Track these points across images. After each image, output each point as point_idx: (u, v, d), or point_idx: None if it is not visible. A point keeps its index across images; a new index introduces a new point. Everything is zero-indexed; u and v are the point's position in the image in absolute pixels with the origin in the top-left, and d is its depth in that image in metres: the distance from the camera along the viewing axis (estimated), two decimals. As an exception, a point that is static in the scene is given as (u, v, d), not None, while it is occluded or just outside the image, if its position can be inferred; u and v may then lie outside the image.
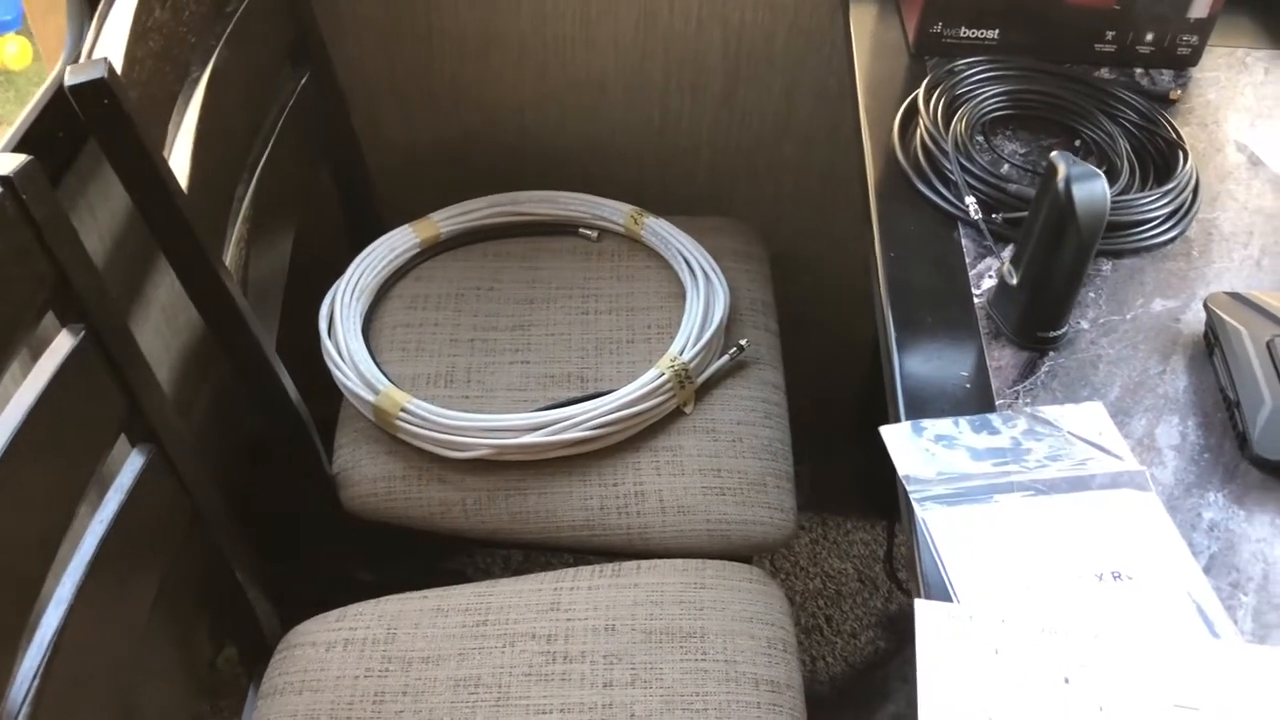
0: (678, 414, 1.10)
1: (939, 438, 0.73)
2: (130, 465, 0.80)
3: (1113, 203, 0.87)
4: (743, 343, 1.15)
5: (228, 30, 0.99)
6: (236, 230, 0.98)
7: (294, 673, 0.94)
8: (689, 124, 1.34)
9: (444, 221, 1.26)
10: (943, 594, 0.66)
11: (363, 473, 1.08)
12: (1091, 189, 0.72)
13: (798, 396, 1.21)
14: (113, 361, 0.76)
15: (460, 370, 1.14)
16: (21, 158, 0.68)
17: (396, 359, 1.15)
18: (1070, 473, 0.72)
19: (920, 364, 0.79)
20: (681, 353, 1.11)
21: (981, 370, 0.78)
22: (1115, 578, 0.66)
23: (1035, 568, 0.67)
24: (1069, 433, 0.74)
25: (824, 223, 1.42)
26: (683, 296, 1.20)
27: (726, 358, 1.14)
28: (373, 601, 1.00)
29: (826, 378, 1.53)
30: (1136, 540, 0.68)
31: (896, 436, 0.74)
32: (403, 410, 1.06)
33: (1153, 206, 0.88)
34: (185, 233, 0.84)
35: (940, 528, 0.69)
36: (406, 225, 1.25)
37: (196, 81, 0.94)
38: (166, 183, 0.81)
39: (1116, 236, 0.87)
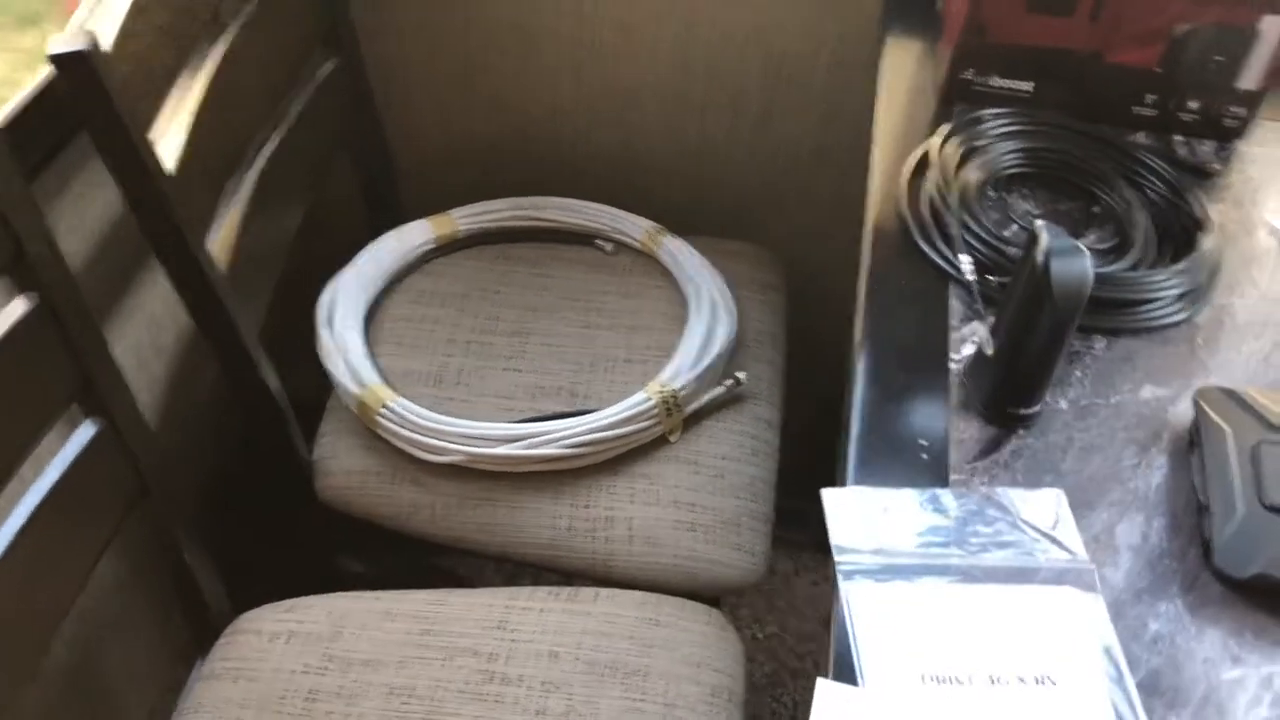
0: (662, 441, 1.08)
1: (882, 508, 0.70)
2: (77, 437, 0.80)
3: (1121, 280, 0.83)
4: (740, 375, 1.12)
5: (249, 11, 0.99)
6: (232, 213, 0.97)
7: (234, 659, 0.94)
8: (723, 144, 1.31)
9: (463, 219, 1.25)
10: (850, 675, 0.62)
11: (340, 464, 1.07)
12: (1071, 266, 0.68)
13: (811, 431, 1.18)
14: (66, 333, 0.76)
15: (451, 371, 1.13)
16: (-21, 123, 0.68)
17: (391, 352, 1.14)
18: (1013, 562, 0.68)
19: (881, 426, 0.75)
20: (673, 379, 1.08)
21: (942, 441, 0.74)
22: (1039, 682, 0.62)
23: (955, 661, 0.63)
24: (1021, 519, 0.70)
25: (848, 256, 1.38)
26: (687, 319, 1.17)
27: (722, 389, 1.11)
28: (325, 596, 0.99)
29: (837, 414, 1.48)
30: (1071, 644, 0.64)
31: (836, 501, 0.70)
32: (384, 407, 1.05)
33: (1163, 286, 0.83)
34: (163, 212, 0.84)
35: (861, 604, 0.65)
36: (424, 219, 1.24)
37: (206, 59, 0.94)
38: (145, 160, 0.81)
39: (1118, 313, 0.82)
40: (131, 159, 0.80)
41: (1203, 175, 0.95)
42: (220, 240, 0.96)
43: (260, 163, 1.02)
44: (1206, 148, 0.98)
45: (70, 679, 1.06)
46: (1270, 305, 0.85)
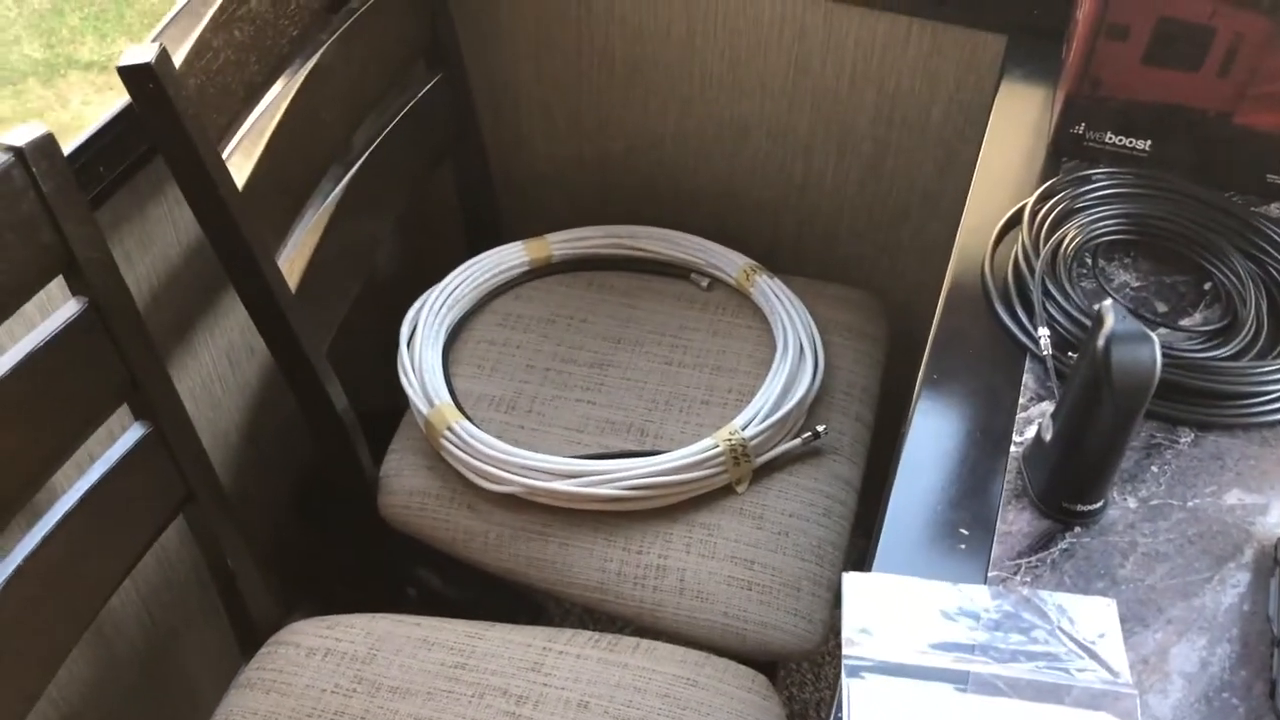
0: (728, 491, 1.03)
1: (907, 599, 0.64)
2: (124, 440, 0.81)
3: (1222, 369, 0.75)
4: (820, 429, 1.06)
5: (345, 26, 0.99)
6: (308, 230, 0.98)
7: (271, 670, 0.94)
8: (830, 184, 1.26)
9: (558, 244, 1.23)
10: (838, 784, 0.57)
11: (403, 483, 1.07)
12: (1136, 354, 0.61)
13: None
14: (114, 337, 0.78)
15: (525, 399, 1.11)
16: (39, 129, 0.70)
17: (469, 374, 1.14)
18: (1043, 676, 0.61)
19: (923, 504, 0.69)
20: (745, 427, 1.04)
21: (987, 531, 0.68)
22: (1050, 818, 0.56)
23: (957, 781, 0.57)
24: (1059, 629, 0.63)
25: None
26: (771, 365, 1.12)
27: (798, 441, 1.06)
28: (368, 616, 0.98)
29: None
30: (1095, 779, 0.57)
31: (858, 586, 0.65)
32: (449, 429, 1.04)
33: (1269, 378, 0.74)
34: (231, 229, 0.85)
35: (863, 705, 0.60)
36: (519, 242, 1.23)
37: (296, 74, 0.95)
38: (213, 177, 0.82)
39: (1214, 405, 0.74)
40: (199, 175, 0.82)
41: (1340, 255, 0.85)
42: (293, 256, 0.96)
43: (346, 178, 1.03)
44: (1349, 224, 0.88)
45: (146, 667, 1.09)
46: (1398, 410, 0.75)
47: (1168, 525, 0.68)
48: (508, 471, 1.02)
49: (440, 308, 1.17)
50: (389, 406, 1.15)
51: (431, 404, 1.07)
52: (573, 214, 1.25)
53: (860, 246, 1.30)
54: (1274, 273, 0.82)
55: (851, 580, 0.66)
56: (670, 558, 0.99)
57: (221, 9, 0.84)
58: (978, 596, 0.64)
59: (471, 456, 1.03)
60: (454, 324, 1.18)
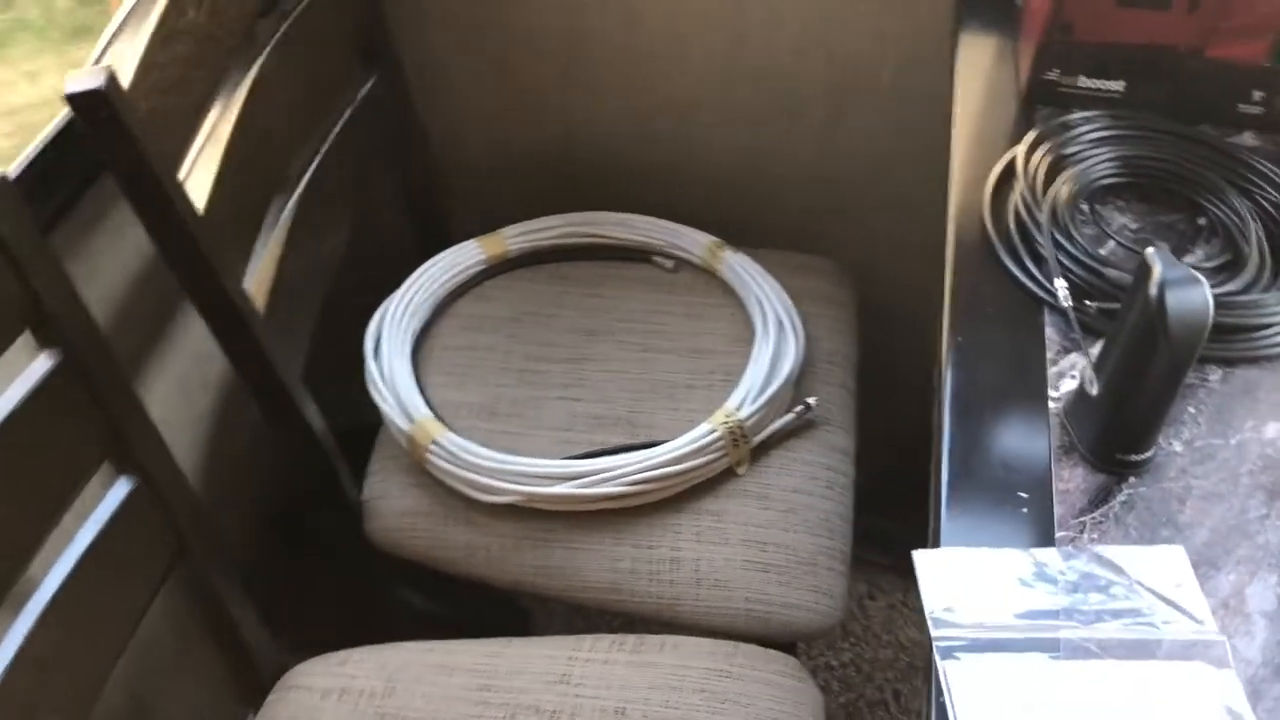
0: (729, 474, 1.01)
1: (981, 572, 0.63)
2: (111, 497, 0.75)
3: (1235, 303, 0.75)
4: (810, 401, 1.05)
5: (280, 31, 0.94)
6: (269, 247, 0.93)
7: (285, 718, 0.89)
8: (786, 153, 1.24)
9: (514, 238, 1.19)
10: (954, 770, 0.56)
11: (390, 505, 1.02)
12: (1190, 298, 0.60)
13: (882, 448, 1.11)
14: (93, 389, 0.72)
15: (505, 402, 1.07)
16: (-6, 174, 0.63)
17: (442, 383, 1.09)
18: (1132, 634, 0.60)
19: (974, 474, 0.68)
20: (739, 408, 1.02)
21: (1045, 492, 0.67)
22: (1168, 776, 0.55)
23: (1071, 751, 0.56)
24: (1138, 583, 0.62)
25: (926, 267, 1.30)
26: (753, 340, 1.10)
27: (791, 415, 1.04)
28: (379, 647, 0.94)
29: (915, 428, 1.40)
30: (1203, 730, 0.57)
31: (930, 565, 0.64)
32: (434, 443, 1.00)
33: (1281, 308, 0.75)
34: (195, 255, 0.79)
35: (963, 686, 0.58)
36: (473, 240, 1.18)
37: (237, 87, 0.89)
38: (175, 203, 0.76)
39: (1233, 340, 0.74)
40: (158, 201, 0.76)
41: (1319, 178, 0.86)
42: (258, 277, 0.91)
43: (299, 190, 0.97)
44: (1322, 147, 0.90)
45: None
46: (1405, 325, 0.76)
47: (1216, 465, 0.68)
48: (504, 481, 0.98)
49: (401, 317, 1.12)
50: (352, 424, 1.09)
51: (411, 419, 1.02)
52: (522, 206, 1.20)
53: (818, 213, 1.29)
54: (1264, 203, 0.82)
55: (923, 559, 0.64)
56: (682, 549, 0.97)
57: (162, 23, 0.78)
58: (1051, 560, 0.63)
59: (463, 469, 0.99)
60: (417, 332, 1.13)
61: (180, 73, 0.80)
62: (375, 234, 1.17)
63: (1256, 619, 0.61)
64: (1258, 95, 0.89)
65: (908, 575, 1.50)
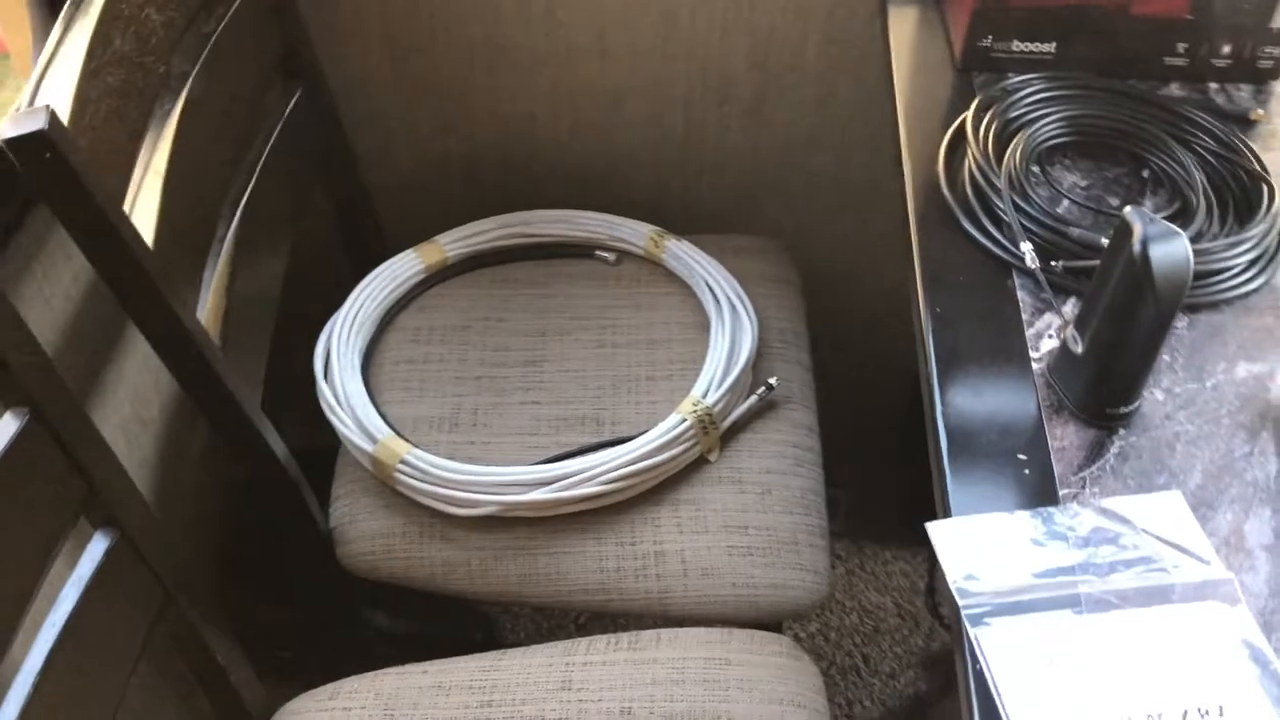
0: (701, 462, 1.01)
1: (995, 537, 0.64)
2: (90, 554, 0.72)
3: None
4: (772, 381, 1.05)
5: (205, 53, 0.90)
6: (216, 277, 0.89)
7: (282, 759, 0.87)
8: (714, 137, 1.24)
9: (451, 245, 1.17)
10: (1000, 734, 0.57)
11: (360, 529, 1.00)
12: (1172, 251, 0.62)
13: (832, 417, 1.12)
14: (64, 445, 0.68)
15: (466, 412, 1.05)
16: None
17: (398, 400, 1.07)
18: (1146, 581, 0.62)
19: (972, 441, 0.69)
20: (705, 395, 1.02)
21: (1042, 451, 0.68)
22: (1202, 715, 0.57)
23: (1108, 702, 0.57)
24: (1144, 531, 0.64)
25: (860, 236, 1.33)
26: (707, 326, 1.10)
27: (755, 398, 1.05)
28: (369, 676, 0.92)
29: (863, 396, 1.43)
30: (1226, 666, 0.59)
31: (945, 535, 0.65)
32: (402, 462, 0.98)
33: (1235, 253, 0.77)
34: (150, 293, 0.76)
35: (997, 651, 0.59)
36: (410, 250, 1.16)
37: (168, 115, 0.85)
38: (126, 240, 0.73)
39: (1195, 287, 0.77)
40: (107, 238, 0.72)
41: (1246, 124, 0.90)
42: (209, 308, 0.87)
43: (238, 214, 0.94)
44: (1243, 93, 0.93)
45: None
46: (1347, 257, 0.80)
47: (1198, 409, 0.71)
48: (479, 492, 0.96)
49: (348, 335, 1.09)
50: (303, 446, 1.06)
51: (374, 440, 1.00)
52: (456, 213, 1.18)
53: (750, 192, 1.29)
54: (1203, 152, 0.85)
55: (937, 530, 0.65)
56: (665, 542, 0.97)
57: (90, 56, 0.74)
58: (1059, 518, 0.65)
59: (436, 485, 0.97)
60: (364, 350, 1.10)
61: (113, 105, 0.76)
62: (308, 253, 1.14)
63: (1258, 553, 0.64)
64: (1181, 47, 0.92)
65: (860, 540, 1.51)
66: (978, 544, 0.64)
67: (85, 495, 0.71)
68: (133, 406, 1.04)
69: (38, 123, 0.66)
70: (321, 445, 1.07)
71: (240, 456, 0.91)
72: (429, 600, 1.08)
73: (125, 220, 0.74)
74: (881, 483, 1.52)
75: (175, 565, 0.78)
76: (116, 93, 0.77)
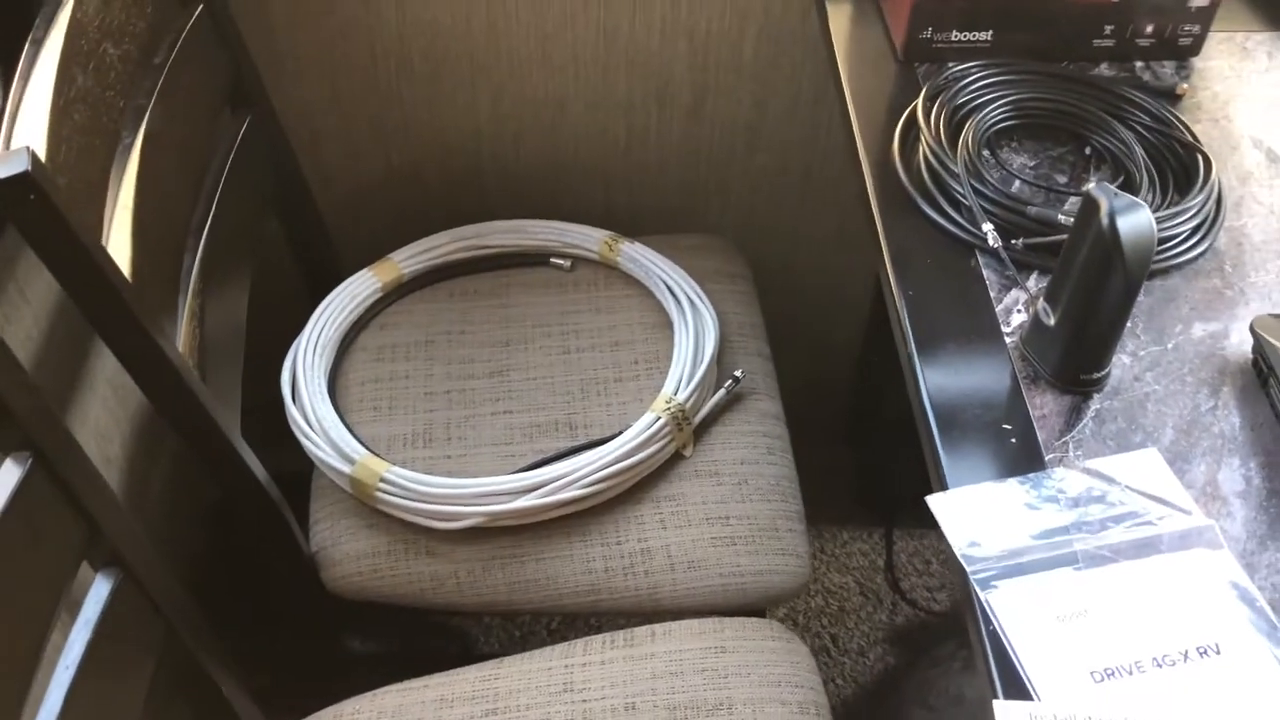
0: (677, 458, 1.04)
1: (992, 505, 0.67)
2: (95, 594, 0.71)
3: (1138, 219, 0.82)
4: (738, 374, 1.08)
5: (159, 84, 0.89)
6: (187, 307, 0.89)
7: (292, 786, 0.86)
8: (657, 139, 1.27)
9: (405, 261, 1.17)
10: (1020, 688, 0.60)
11: (343, 550, 1.00)
12: (1138, 221, 0.66)
13: (783, 404, 1.15)
14: (66, 487, 0.68)
15: (439, 427, 1.06)
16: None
17: (368, 419, 1.07)
18: (1136, 534, 0.66)
19: (958, 417, 0.72)
20: (676, 392, 1.04)
21: (1025, 420, 0.72)
22: (1203, 654, 0.61)
23: (1116, 650, 0.61)
24: (1129, 487, 0.68)
25: (801, 226, 1.36)
26: (668, 325, 1.13)
27: (723, 391, 1.07)
28: (369, 696, 0.92)
29: (812, 381, 1.46)
30: (1217, 607, 0.63)
31: (947, 507, 0.68)
32: (382, 480, 0.98)
33: (1180, 221, 0.82)
34: (133, 328, 0.75)
35: (1007, 612, 0.63)
36: (366, 269, 1.16)
37: (130, 149, 0.84)
38: (109, 276, 0.72)
39: (1145, 255, 0.81)
40: (92, 277, 0.72)
41: (1174, 98, 0.95)
42: (184, 339, 0.87)
43: (202, 244, 0.94)
44: (1167, 69, 0.98)
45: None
46: (1279, 220, 0.85)
47: (1163, 370, 0.75)
48: (463, 505, 0.97)
49: (312, 358, 1.09)
50: (271, 472, 1.06)
51: (351, 461, 1.00)
52: (407, 230, 1.18)
53: (694, 192, 1.32)
54: (1140, 128, 0.90)
55: (938, 502, 0.68)
56: (650, 538, 0.99)
57: (57, 94, 0.74)
58: (1049, 482, 0.69)
59: (420, 501, 0.97)
60: (328, 372, 1.10)
61: (83, 142, 0.76)
62: (263, 278, 1.13)
63: (1232, 500, 0.68)
64: (1108, 29, 0.96)
65: (819, 523, 1.54)
66: (976, 513, 0.67)
67: (88, 536, 0.70)
68: (98, 445, 1.03)
69: (21, 164, 0.65)
70: (287, 470, 1.06)
71: (227, 487, 0.90)
72: (401, 619, 1.08)
73: (106, 256, 0.73)
74: (834, 466, 1.56)
75: (177, 601, 0.78)
76: (84, 129, 0.76)
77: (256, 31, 1.11)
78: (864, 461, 1.57)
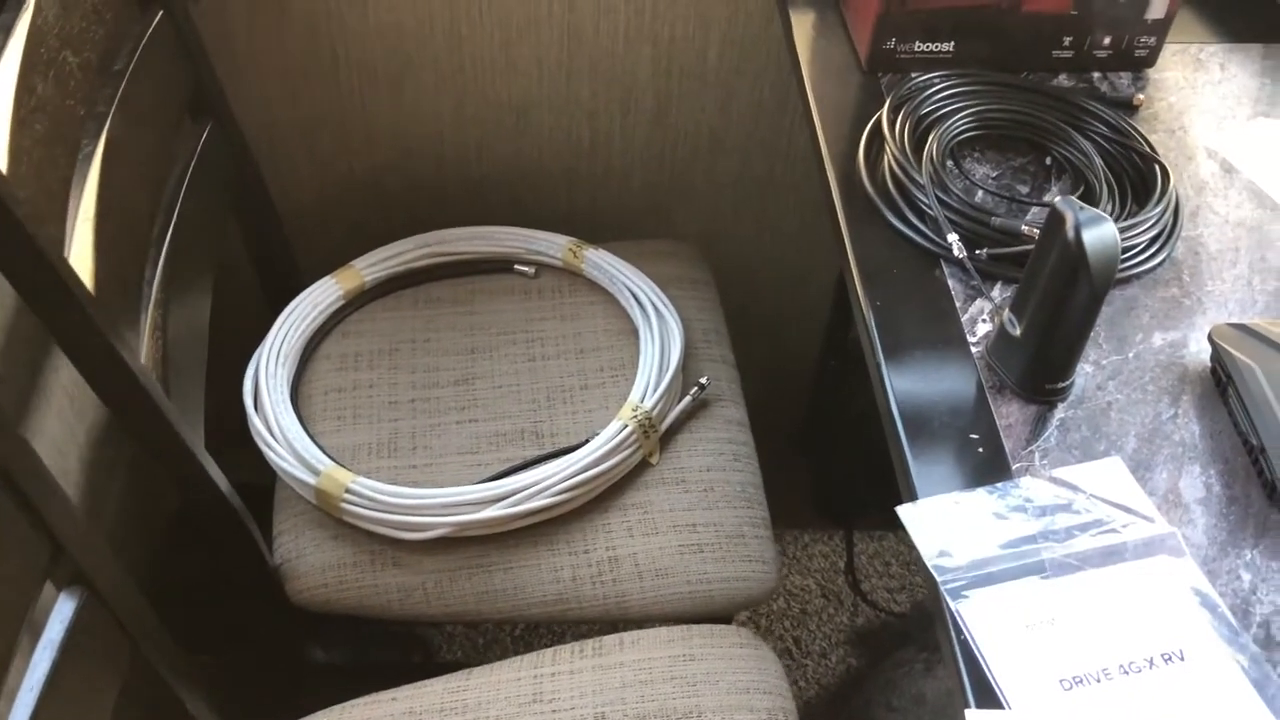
0: (644, 466, 1.04)
1: (961, 515, 0.68)
2: (59, 614, 0.70)
3: (1099, 229, 0.83)
4: (703, 381, 1.08)
5: (119, 93, 0.88)
6: (149, 318, 0.88)
7: (259, 802, 0.86)
8: (620, 144, 1.27)
9: (368, 269, 1.17)
10: (991, 697, 0.61)
11: (308, 563, 0.99)
12: (1103, 234, 0.67)
13: (754, 408, 1.16)
14: (28, 504, 0.66)
15: (404, 436, 1.05)
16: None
17: (332, 429, 1.06)
18: (1101, 542, 0.67)
19: (927, 428, 0.73)
20: (643, 400, 1.04)
21: (992, 430, 0.73)
22: (1168, 660, 0.62)
23: (1084, 657, 0.62)
24: (1094, 496, 0.69)
25: (763, 231, 1.37)
26: (633, 332, 1.13)
27: (689, 398, 1.07)
28: (337, 709, 0.91)
29: (771, 385, 1.47)
30: (1181, 613, 0.64)
31: (916, 517, 0.68)
32: (347, 491, 0.97)
33: (1139, 232, 0.83)
34: (97, 342, 0.74)
35: (977, 621, 0.64)
36: (328, 277, 1.15)
37: (91, 158, 0.83)
38: (73, 290, 0.71)
39: (1105, 264, 0.82)
40: (55, 292, 0.71)
41: (1130, 109, 0.97)
42: (147, 351, 0.86)
43: (164, 254, 0.92)
44: (1124, 80, 1.00)
45: None
46: (1234, 229, 0.87)
47: (1125, 378, 0.76)
48: (430, 515, 0.97)
49: (275, 368, 1.08)
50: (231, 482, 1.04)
51: (316, 472, 0.99)
52: (369, 237, 1.17)
53: (657, 197, 1.32)
54: (1098, 138, 0.92)
55: (908, 512, 0.69)
56: (618, 547, 0.99)
57: (17, 105, 0.73)
58: (1016, 491, 0.69)
59: (385, 512, 0.97)
60: (290, 381, 1.09)
61: (44, 153, 0.74)
62: (224, 287, 1.12)
63: (1194, 508, 0.70)
64: (1067, 40, 0.98)
65: (779, 526, 1.55)
66: (945, 522, 0.68)
67: (51, 555, 0.69)
68: (54, 458, 1.01)
69: (-21, 177, 0.64)
70: (248, 480, 1.05)
71: (190, 499, 0.89)
72: (363, 629, 1.07)
73: (70, 270, 0.72)
74: (792, 469, 1.57)
75: (143, 619, 0.77)
76: (45, 140, 0.75)
77: (217, 37, 1.10)
78: (823, 464, 1.58)
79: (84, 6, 0.84)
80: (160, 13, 0.96)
